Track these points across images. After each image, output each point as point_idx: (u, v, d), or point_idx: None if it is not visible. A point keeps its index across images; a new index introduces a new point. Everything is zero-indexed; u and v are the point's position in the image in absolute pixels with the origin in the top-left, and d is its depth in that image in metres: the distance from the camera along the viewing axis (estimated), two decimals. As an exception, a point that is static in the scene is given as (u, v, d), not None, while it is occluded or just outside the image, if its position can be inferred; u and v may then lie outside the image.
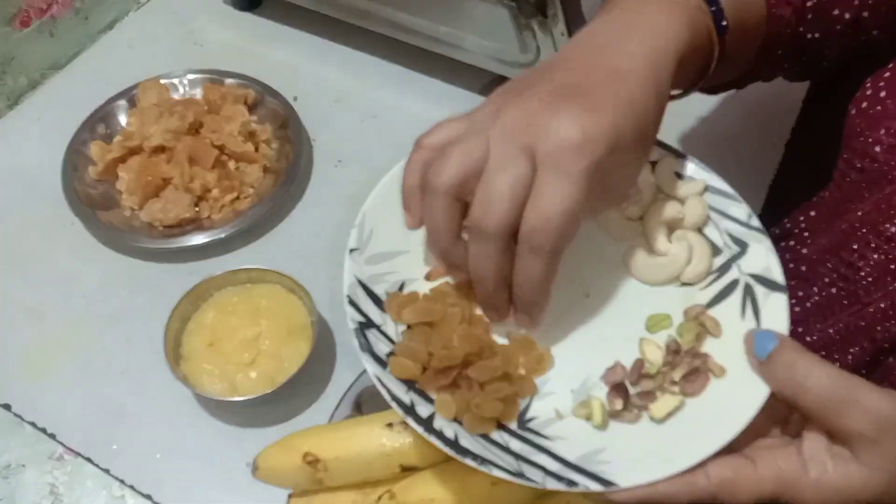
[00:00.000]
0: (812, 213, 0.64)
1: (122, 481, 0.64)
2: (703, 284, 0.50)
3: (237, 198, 0.77)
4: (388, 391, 0.44)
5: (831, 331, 0.57)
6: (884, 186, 0.53)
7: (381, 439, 0.51)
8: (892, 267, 0.52)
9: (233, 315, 0.67)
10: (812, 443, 0.42)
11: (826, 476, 0.41)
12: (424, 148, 0.46)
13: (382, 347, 0.46)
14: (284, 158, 0.80)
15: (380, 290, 0.49)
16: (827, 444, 0.42)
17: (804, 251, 0.63)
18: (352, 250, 0.50)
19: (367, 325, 0.47)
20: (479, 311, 0.49)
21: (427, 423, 0.43)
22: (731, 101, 0.88)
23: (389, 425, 0.51)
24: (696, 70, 0.54)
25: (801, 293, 0.62)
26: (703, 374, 0.45)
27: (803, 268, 0.62)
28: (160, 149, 0.78)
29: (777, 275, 0.48)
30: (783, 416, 0.45)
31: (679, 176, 0.53)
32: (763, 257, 0.49)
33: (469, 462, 0.42)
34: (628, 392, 0.46)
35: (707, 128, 0.86)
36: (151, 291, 0.74)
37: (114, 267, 0.76)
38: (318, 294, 0.68)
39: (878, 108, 0.53)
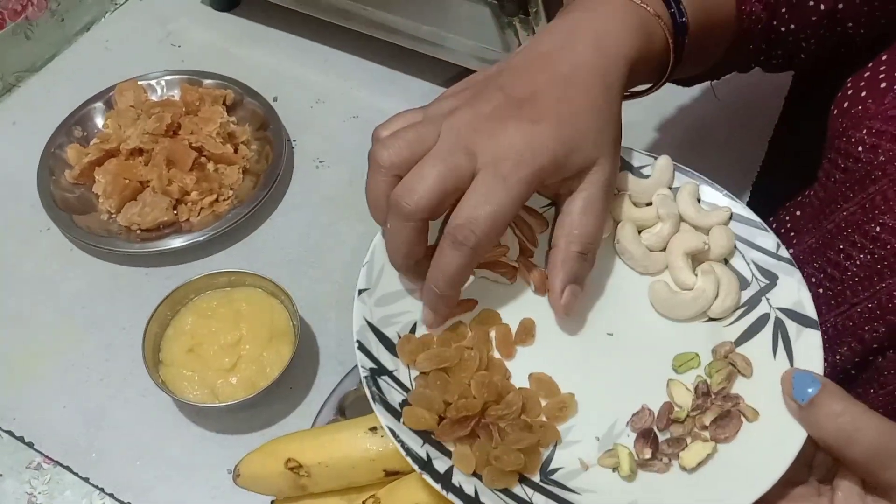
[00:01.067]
0: (797, 213, 0.63)
1: (101, 490, 0.63)
2: (731, 320, 0.47)
3: (216, 200, 0.76)
4: (403, 444, 0.42)
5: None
6: (867, 186, 0.52)
7: (364, 444, 0.50)
8: (879, 267, 0.52)
9: (212, 319, 0.66)
10: (846, 493, 0.41)
11: None
12: (385, 167, 0.46)
13: (396, 396, 0.44)
14: (264, 160, 0.79)
15: (391, 332, 0.47)
16: (860, 493, 0.40)
17: (790, 251, 0.63)
18: (361, 291, 0.47)
19: (378, 371, 0.44)
20: (496, 355, 0.47)
21: (445, 479, 0.41)
22: (715, 100, 0.88)
23: (373, 429, 0.51)
24: (654, 70, 0.53)
25: None
26: (735, 418, 0.43)
27: None
28: (137, 151, 0.77)
29: (809, 309, 0.45)
30: (809, 459, 0.43)
31: (701, 203, 0.51)
32: (794, 290, 0.46)
33: None
34: (658, 439, 0.43)
35: (690, 126, 0.86)
36: (130, 297, 0.73)
37: (92, 272, 0.75)
38: (299, 297, 0.67)
39: (860, 107, 0.53)
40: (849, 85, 0.54)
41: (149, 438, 0.65)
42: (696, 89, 0.89)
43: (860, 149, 0.53)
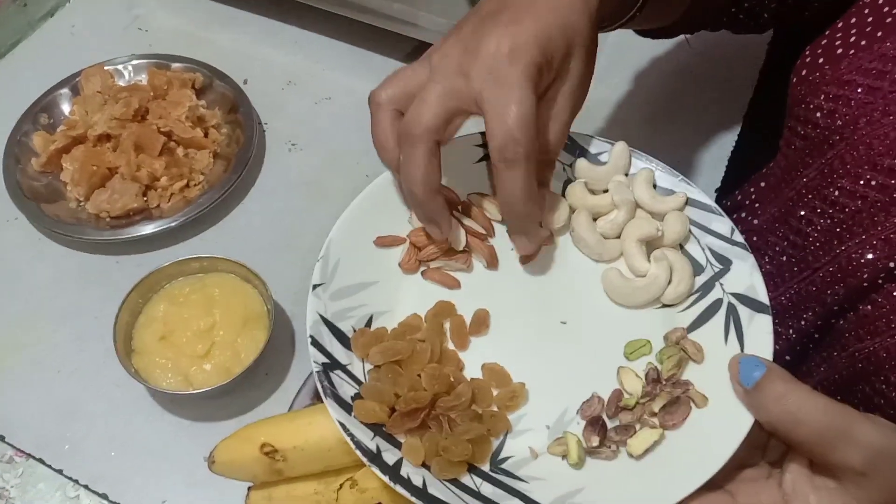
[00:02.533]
0: (762, 185, 0.63)
1: (76, 481, 0.62)
2: (685, 305, 0.47)
3: (187, 185, 0.75)
4: (353, 438, 0.42)
5: (783, 298, 0.57)
6: (826, 152, 0.52)
7: (340, 426, 0.49)
8: (838, 230, 0.52)
9: (185, 306, 0.65)
10: (794, 475, 0.41)
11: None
12: (385, 103, 0.47)
13: (348, 389, 0.44)
14: (235, 143, 0.77)
15: (346, 326, 0.47)
16: (809, 474, 0.41)
17: (755, 222, 0.63)
18: (315, 286, 0.47)
19: (331, 365, 0.45)
20: (450, 346, 0.48)
21: (393, 471, 0.41)
22: (691, 75, 0.88)
23: (348, 412, 0.50)
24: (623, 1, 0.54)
25: None
26: (684, 404, 0.43)
27: (755, 238, 0.62)
28: (105, 137, 0.76)
29: (762, 294, 0.45)
30: (763, 442, 0.43)
31: (658, 189, 0.51)
32: (747, 275, 0.46)
33: None
34: (606, 427, 0.44)
35: (667, 102, 0.86)
36: (101, 285, 0.71)
37: (61, 261, 0.73)
38: (274, 282, 0.66)
39: (817, 74, 0.53)
40: (807, 53, 0.55)
41: (123, 428, 0.64)
42: (672, 63, 0.89)
43: (818, 115, 0.53)
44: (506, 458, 0.44)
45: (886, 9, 0.50)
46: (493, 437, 0.44)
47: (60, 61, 0.84)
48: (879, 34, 0.50)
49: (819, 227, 0.53)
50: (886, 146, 0.48)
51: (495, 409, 0.45)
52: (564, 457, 0.43)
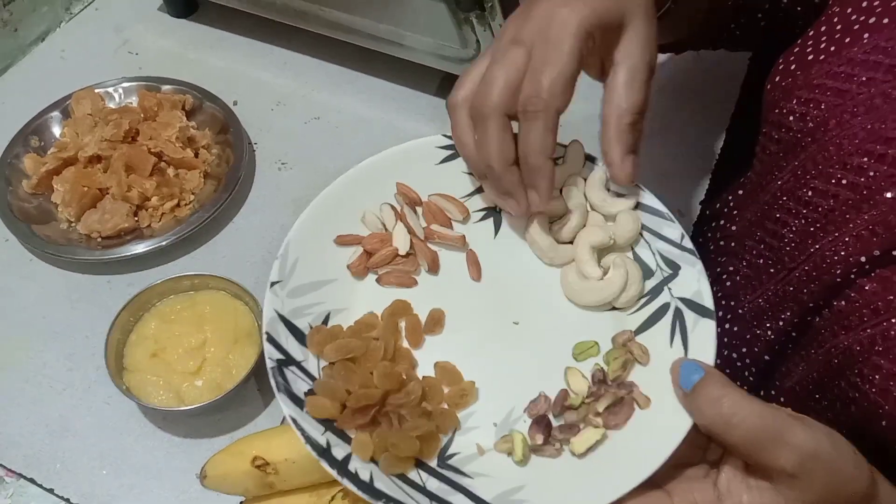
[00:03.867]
0: (740, 192, 0.65)
1: (67, 500, 0.62)
2: (634, 308, 0.48)
3: (177, 205, 0.75)
4: (303, 432, 0.43)
5: (761, 300, 0.58)
6: (798, 154, 0.54)
7: (330, 438, 0.50)
8: (812, 230, 0.53)
9: (176, 323, 0.65)
10: (729, 475, 0.42)
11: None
12: (460, 103, 0.49)
13: (302, 385, 0.45)
14: (225, 163, 0.78)
15: (303, 323, 0.48)
16: (744, 475, 0.42)
17: (733, 228, 0.64)
18: (273, 283, 0.48)
19: (286, 362, 0.45)
20: (405, 344, 0.48)
21: (342, 466, 0.42)
22: (675, 89, 0.89)
23: (339, 423, 0.50)
24: None
25: (730, 268, 0.64)
26: (627, 405, 0.45)
27: (732, 244, 0.64)
28: (96, 158, 0.76)
29: (707, 300, 0.46)
30: (704, 443, 0.44)
31: (611, 192, 0.52)
32: (695, 281, 0.47)
33: None
34: (551, 425, 0.45)
35: (651, 117, 0.87)
36: (92, 305, 0.72)
37: (53, 281, 0.74)
38: (264, 299, 0.66)
39: (790, 79, 0.55)
40: (780, 61, 0.56)
41: (114, 446, 0.64)
42: (655, 78, 0.90)
43: (791, 118, 0.54)
44: (453, 455, 0.45)
45: (854, 16, 0.52)
46: (441, 433, 0.45)
47: (51, 85, 0.85)
48: (847, 40, 0.52)
49: (794, 228, 0.55)
50: (855, 145, 0.49)
51: (445, 406, 0.46)
52: (510, 454, 0.44)
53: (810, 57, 0.54)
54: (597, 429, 0.44)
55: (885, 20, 0.50)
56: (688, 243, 0.48)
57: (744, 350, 0.60)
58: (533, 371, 0.47)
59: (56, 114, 0.82)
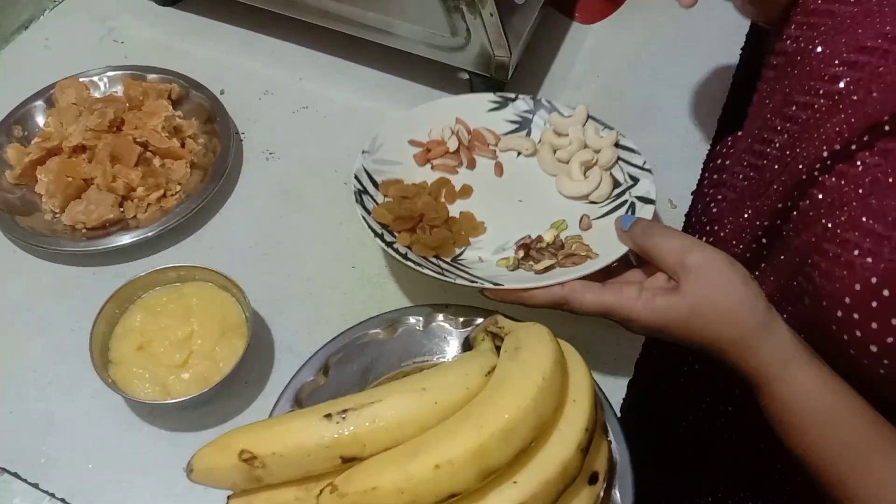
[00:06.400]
0: (739, 133, 0.74)
1: (52, 495, 0.61)
2: (604, 203, 0.71)
3: (164, 195, 0.74)
4: (369, 225, 0.66)
5: (741, 219, 0.66)
6: (789, 74, 0.62)
7: (319, 431, 0.49)
8: (791, 141, 0.60)
9: (162, 316, 0.64)
10: (651, 281, 0.59)
11: (652, 301, 0.56)
12: None
13: (370, 204, 0.69)
14: (212, 153, 0.77)
15: (378, 178, 0.71)
16: (663, 282, 0.58)
17: (727, 162, 0.76)
18: (363, 151, 0.71)
19: (363, 192, 0.69)
20: (443, 200, 0.72)
21: (389, 244, 0.65)
22: (666, 81, 0.89)
23: (328, 416, 0.50)
24: None
25: (719, 196, 0.75)
26: (579, 253, 0.64)
27: (724, 175, 0.75)
28: (80, 148, 0.75)
29: (653, 194, 0.68)
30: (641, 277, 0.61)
31: (600, 134, 0.74)
32: (648, 186, 0.69)
33: (410, 265, 0.63)
34: (530, 250, 0.66)
35: (643, 108, 0.87)
36: (77, 297, 0.71)
37: (37, 274, 0.73)
38: (252, 290, 0.66)
39: (794, 7, 0.63)
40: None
41: (100, 440, 0.63)
42: (647, 69, 0.90)
43: (788, 42, 0.63)
44: (462, 258, 0.68)
45: None
46: (455, 245, 0.68)
47: (35, 74, 0.84)
48: None
49: (777, 144, 0.63)
50: (829, 56, 0.58)
51: (462, 232, 0.70)
52: (505, 265, 0.66)
53: None
54: (551, 259, 0.65)
55: None
56: (647, 166, 0.71)
57: None
58: (523, 226, 0.70)
59: (40, 103, 0.80)
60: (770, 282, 0.63)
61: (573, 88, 0.88)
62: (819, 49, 0.59)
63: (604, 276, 0.62)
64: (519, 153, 0.76)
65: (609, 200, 0.71)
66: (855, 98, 0.55)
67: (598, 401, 0.56)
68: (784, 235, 0.61)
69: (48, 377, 0.67)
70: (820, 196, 0.56)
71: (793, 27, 0.62)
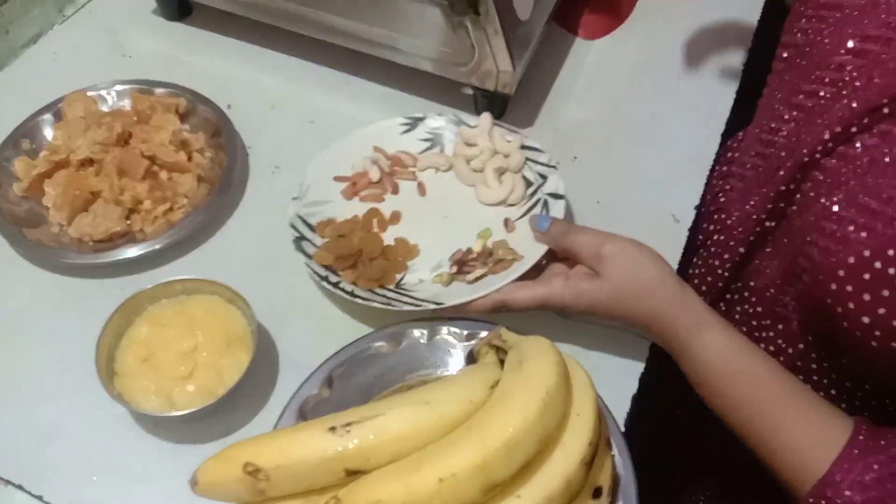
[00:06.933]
0: (749, 127, 0.77)
1: (56, 507, 0.61)
2: (521, 204, 0.76)
3: (170, 209, 0.75)
4: (312, 269, 0.70)
5: (748, 206, 0.67)
6: (798, 65, 0.65)
7: (323, 444, 0.49)
8: (798, 128, 0.63)
9: (167, 328, 0.64)
10: (576, 270, 0.65)
11: (577, 287, 0.63)
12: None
13: (311, 249, 0.72)
14: (218, 167, 0.78)
15: (313, 220, 0.75)
16: (587, 272, 0.64)
17: (736, 155, 0.78)
18: (294, 198, 0.75)
19: (301, 238, 0.72)
20: (375, 230, 0.75)
21: (335, 285, 0.69)
22: (669, 95, 0.89)
23: (332, 429, 0.50)
24: None
25: (727, 186, 0.77)
26: (505, 259, 0.69)
27: (733, 167, 0.77)
28: (88, 162, 0.76)
29: (561, 190, 0.73)
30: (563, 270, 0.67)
31: (507, 138, 0.79)
32: (556, 182, 0.74)
33: (359, 301, 0.67)
34: (463, 264, 0.70)
35: (646, 121, 0.87)
36: (83, 309, 0.71)
37: (43, 285, 0.73)
38: (257, 303, 0.66)
39: (804, 2, 0.66)
40: None
41: (105, 452, 0.63)
42: (650, 83, 0.90)
43: (798, 35, 0.67)
44: (403, 283, 0.72)
45: None
46: (395, 272, 0.72)
47: (43, 87, 0.84)
48: None
49: (784, 132, 0.66)
50: (836, 46, 0.60)
51: (399, 258, 0.73)
52: (440, 281, 0.70)
53: None
54: (483, 268, 0.69)
55: None
56: (553, 164, 0.76)
57: (725, 256, 0.71)
58: (454, 240, 0.74)
59: (48, 116, 0.81)
60: (774, 266, 0.66)
61: (576, 103, 0.88)
62: (827, 40, 0.62)
63: (537, 271, 0.68)
64: (437, 169, 0.80)
65: (525, 200, 0.76)
66: (858, 84, 0.58)
67: (602, 415, 0.56)
68: (787, 218, 0.64)
69: (53, 388, 0.67)
70: (821, 177, 0.60)
71: (803, 20, 0.65)
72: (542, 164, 0.77)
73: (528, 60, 0.82)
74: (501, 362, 0.57)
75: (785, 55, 0.69)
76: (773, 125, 0.68)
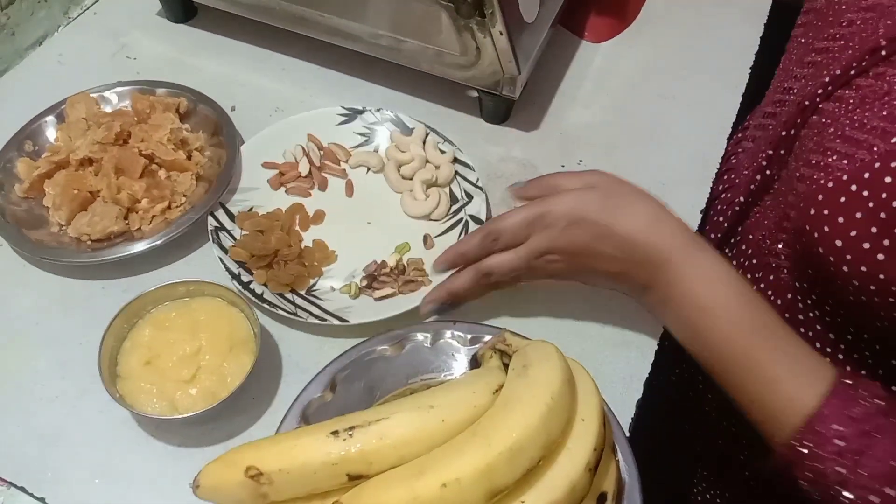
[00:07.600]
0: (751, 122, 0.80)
1: (58, 510, 0.61)
2: (443, 221, 0.76)
3: (168, 207, 0.74)
4: (226, 266, 0.69)
5: (755, 163, 0.69)
6: (816, 24, 0.67)
7: (326, 448, 0.49)
8: (805, 84, 0.65)
9: (170, 331, 0.64)
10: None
11: (568, 193, 0.61)
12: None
13: (228, 242, 0.71)
14: (218, 165, 0.77)
15: (234, 209, 0.74)
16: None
17: (739, 149, 0.81)
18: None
19: (220, 229, 0.72)
20: (297, 228, 0.75)
21: (245, 286, 0.68)
22: (674, 99, 0.89)
23: (335, 433, 0.50)
24: None
25: (739, 149, 0.78)
26: (416, 280, 0.70)
27: (747, 132, 0.80)
28: (87, 161, 0.75)
29: (482, 215, 0.74)
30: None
31: (439, 149, 0.79)
32: (480, 205, 0.75)
33: (266, 307, 0.67)
34: (374, 279, 0.71)
35: (652, 125, 0.87)
36: (85, 311, 0.71)
37: (45, 287, 0.73)
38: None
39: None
40: None
41: (107, 455, 0.63)
42: (655, 87, 0.90)
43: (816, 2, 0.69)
44: (316, 290, 0.71)
45: None
46: (309, 277, 0.71)
47: (48, 89, 0.84)
48: None
49: (794, 91, 0.67)
50: (850, 5, 0.62)
51: (315, 263, 0.72)
52: (348, 293, 0.70)
53: None
54: (392, 287, 0.70)
55: None
56: (480, 183, 0.76)
57: (728, 211, 0.72)
58: (372, 250, 0.73)
59: (51, 118, 0.81)
60: (770, 217, 0.67)
61: (582, 106, 0.88)
62: (841, 3, 0.64)
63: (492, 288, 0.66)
64: (368, 169, 0.80)
65: (448, 217, 0.76)
66: (864, 35, 0.59)
67: (607, 420, 0.55)
68: (786, 166, 0.66)
69: (55, 391, 0.67)
70: (816, 118, 0.62)
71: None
72: (471, 182, 0.76)
73: (533, 63, 0.82)
74: (505, 367, 0.56)
75: (804, 21, 0.71)
76: (785, 85, 0.70)
